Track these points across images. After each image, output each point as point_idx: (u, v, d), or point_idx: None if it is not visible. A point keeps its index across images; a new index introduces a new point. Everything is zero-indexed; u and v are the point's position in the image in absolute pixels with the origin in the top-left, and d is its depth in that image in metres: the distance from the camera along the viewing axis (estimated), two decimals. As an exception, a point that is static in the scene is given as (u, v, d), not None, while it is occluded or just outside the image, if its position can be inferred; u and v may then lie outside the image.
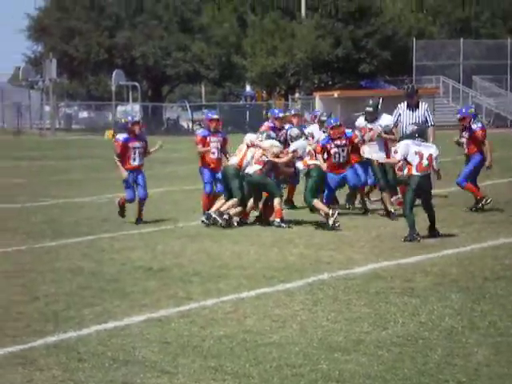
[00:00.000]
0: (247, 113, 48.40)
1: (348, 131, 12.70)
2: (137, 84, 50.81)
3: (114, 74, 48.85)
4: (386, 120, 12.77)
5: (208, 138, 12.59)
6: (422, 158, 10.48)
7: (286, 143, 12.34)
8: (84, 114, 62.01)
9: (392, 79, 51.15)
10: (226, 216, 11.54)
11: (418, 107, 13.23)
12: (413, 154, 10.53)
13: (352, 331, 6.27)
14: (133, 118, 12.53)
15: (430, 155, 10.57)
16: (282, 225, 11.47)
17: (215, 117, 12.71)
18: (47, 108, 51.77)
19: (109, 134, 45.86)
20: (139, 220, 12.20)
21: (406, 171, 10.62)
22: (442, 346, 5.84)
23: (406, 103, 13.28)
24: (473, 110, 13.13)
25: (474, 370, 5.32)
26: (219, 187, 12.36)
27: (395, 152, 10.90)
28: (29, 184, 18.61)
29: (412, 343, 5.94)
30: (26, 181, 19.38)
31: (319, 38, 48.31)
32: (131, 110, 52.11)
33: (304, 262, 8.99)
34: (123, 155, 12.16)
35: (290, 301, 7.29)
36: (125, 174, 12.12)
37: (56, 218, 12.84)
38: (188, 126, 56.43)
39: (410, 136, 10.89)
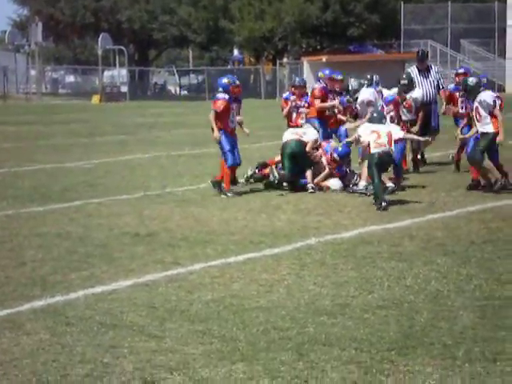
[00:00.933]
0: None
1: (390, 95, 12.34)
2: (123, 48, 50.38)
3: (100, 37, 48.39)
4: (416, 93, 12.57)
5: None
6: (379, 135, 10.51)
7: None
8: (70, 79, 61.53)
9: (380, 43, 50.92)
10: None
11: (429, 71, 13.08)
12: (369, 133, 10.60)
13: (338, 295, 6.31)
14: (234, 81, 11.78)
15: (389, 132, 10.59)
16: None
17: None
18: (33, 72, 51.32)
19: (96, 98, 45.58)
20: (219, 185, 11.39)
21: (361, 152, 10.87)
22: (427, 310, 5.88)
23: (416, 68, 13.14)
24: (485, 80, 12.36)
25: (459, 333, 5.36)
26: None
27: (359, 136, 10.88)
28: (15, 149, 18.50)
29: (398, 307, 5.98)
30: (12, 146, 19.27)
31: (307, 1, 47.95)
32: (118, 75, 51.76)
33: (291, 228, 9.01)
34: (222, 116, 11.36)
35: (277, 265, 7.31)
36: (218, 135, 11.34)
37: (43, 183, 12.79)
38: (175, 91, 56.12)
39: (371, 121, 10.97)
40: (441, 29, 47.88)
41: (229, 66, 52.67)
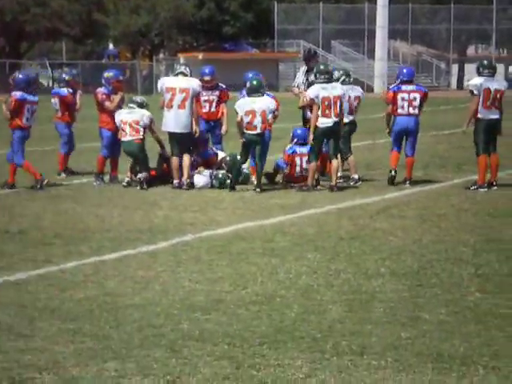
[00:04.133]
0: (110, 72, 47.42)
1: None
2: (-8, 40, 48.65)
3: (-32, 28, 46.52)
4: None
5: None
6: (253, 116, 11.21)
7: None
8: None
9: (255, 42, 51.49)
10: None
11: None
12: (244, 113, 11.19)
13: (213, 291, 6.38)
14: (118, 76, 12.49)
15: (264, 111, 11.21)
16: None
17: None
18: None
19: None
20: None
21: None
22: (298, 304, 6.04)
23: (305, 67, 13.15)
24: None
25: (327, 327, 5.54)
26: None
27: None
28: None
29: (269, 301, 6.11)
30: None
31: (183, -3, 47.90)
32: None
33: (168, 224, 9.02)
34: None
35: (153, 262, 7.31)
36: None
37: None
38: (48, 84, 54.66)
39: (250, 92, 11.36)
40: (313, 29, 48.94)
41: (104, 61, 51.82)
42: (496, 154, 11.42)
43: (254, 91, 11.42)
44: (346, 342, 5.22)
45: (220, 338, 5.30)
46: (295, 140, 11.95)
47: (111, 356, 5.02)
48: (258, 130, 11.29)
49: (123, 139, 11.78)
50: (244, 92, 12.27)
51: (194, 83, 11.94)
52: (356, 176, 11.94)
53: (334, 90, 11.33)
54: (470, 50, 60.89)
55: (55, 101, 13.45)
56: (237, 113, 11.39)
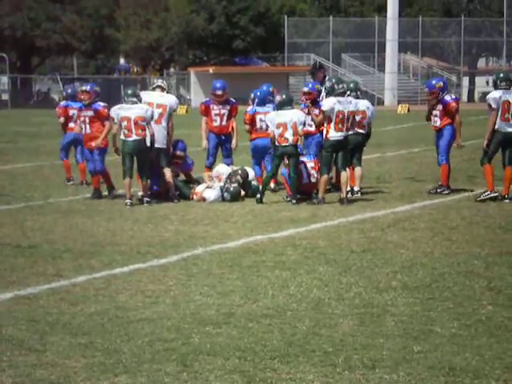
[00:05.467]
0: (121, 86, 47.67)
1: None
2: (4, 55, 49.00)
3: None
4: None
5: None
6: (285, 129, 11.19)
7: None
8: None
9: (265, 56, 51.66)
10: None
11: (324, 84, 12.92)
12: (275, 125, 11.24)
13: (224, 304, 6.37)
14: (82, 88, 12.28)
15: (295, 123, 11.15)
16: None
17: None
18: None
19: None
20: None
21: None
22: (309, 317, 6.02)
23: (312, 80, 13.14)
24: (441, 84, 12.40)
25: (339, 341, 5.51)
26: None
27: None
28: None
29: (281, 315, 6.09)
30: None
31: (193, 12, 48.13)
32: (-1, 82, 50.28)
33: (179, 238, 9.02)
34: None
35: (164, 276, 7.31)
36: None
37: None
38: (59, 99, 54.89)
39: (280, 106, 11.28)
40: (322, 43, 49.06)
41: (115, 75, 52.09)
42: (511, 168, 11.38)
43: (285, 104, 11.43)
44: (357, 356, 5.20)
45: (231, 352, 5.29)
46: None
47: (122, 370, 5.01)
48: (290, 142, 11.31)
49: (127, 139, 11.28)
50: (254, 106, 12.39)
51: (171, 99, 11.98)
52: (357, 188, 11.95)
53: (350, 104, 11.38)
54: (481, 63, 60.91)
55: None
56: (267, 127, 11.51)
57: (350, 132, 11.48)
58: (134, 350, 5.35)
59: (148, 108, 11.46)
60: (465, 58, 51.35)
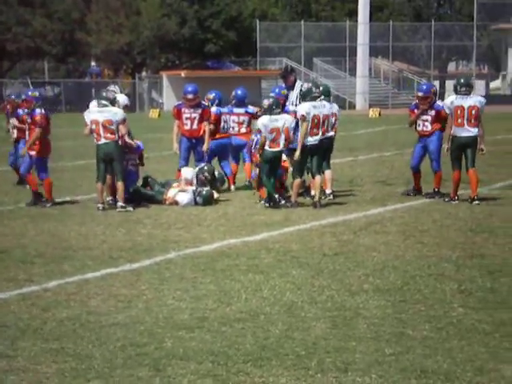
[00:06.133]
0: (93, 90, 47.45)
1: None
2: (-26, 59, 48.54)
3: None
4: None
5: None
6: (278, 133, 11.21)
7: None
8: None
9: (237, 60, 51.69)
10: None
11: (294, 88, 12.94)
12: (268, 131, 11.20)
13: (197, 309, 6.36)
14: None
15: (287, 128, 11.20)
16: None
17: (23, 97, 11.91)
18: None
19: None
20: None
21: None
22: (282, 321, 6.04)
23: (283, 84, 13.11)
24: (435, 89, 12.48)
25: (312, 344, 5.53)
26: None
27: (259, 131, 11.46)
28: None
29: (254, 318, 6.10)
30: None
31: (165, 16, 48.03)
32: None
33: (152, 242, 8.99)
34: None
35: (137, 280, 7.28)
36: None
37: None
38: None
39: (270, 110, 11.26)
40: (295, 47, 49.20)
41: (86, 79, 51.81)
42: (474, 170, 11.49)
43: (275, 108, 11.34)
44: (330, 359, 5.22)
45: (204, 356, 5.28)
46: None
47: (94, 375, 4.98)
48: (282, 147, 11.30)
49: (98, 143, 11.18)
50: (222, 107, 12.75)
51: (115, 111, 11.44)
52: (329, 191, 11.97)
53: (324, 108, 11.42)
54: (451, 67, 61.47)
55: None
56: (260, 131, 11.35)
57: (325, 135, 11.53)
58: (106, 355, 5.33)
59: (118, 111, 11.40)
60: (435, 62, 51.75)
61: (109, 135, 11.19)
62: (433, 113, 12.05)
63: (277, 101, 11.67)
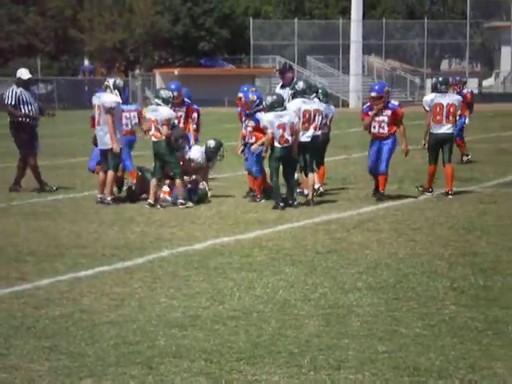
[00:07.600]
0: (86, 88, 47.34)
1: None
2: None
3: None
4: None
5: None
6: (284, 130, 11.11)
7: None
8: None
9: (231, 58, 51.68)
10: None
11: (291, 85, 12.75)
12: (275, 127, 11.10)
13: (190, 307, 6.36)
14: None
15: (292, 123, 11.15)
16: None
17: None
18: None
19: None
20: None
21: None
22: (275, 319, 6.04)
23: (280, 83, 13.01)
24: (387, 88, 11.90)
25: (305, 342, 5.53)
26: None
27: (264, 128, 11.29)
28: None
29: (247, 316, 6.10)
30: None
31: (158, 14, 47.99)
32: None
33: (144, 240, 8.98)
34: None
35: (130, 279, 7.27)
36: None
37: None
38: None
39: (271, 107, 11.20)
40: (288, 45, 49.21)
41: (79, 77, 51.72)
42: (450, 165, 11.83)
43: (278, 105, 11.22)
44: (323, 357, 5.22)
45: (197, 354, 5.28)
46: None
47: (87, 374, 4.98)
48: (290, 143, 11.18)
49: (153, 139, 11.39)
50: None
51: (107, 98, 11.58)
52: (317, 185, 11.87)
53: (314, 104, 11.46)
54: (444, 65, 61.54)
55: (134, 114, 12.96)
56: (266, 128, 11.17)
57: (319, 132, 11.53)
58: (99, 353, 5.32)
59: (164, 111, 11.36)
60: (428, 59, 51.82)
61: (158, 134, 11.31)
62: (388, 113, 11.51)
63: (280, 98, 11.54)
